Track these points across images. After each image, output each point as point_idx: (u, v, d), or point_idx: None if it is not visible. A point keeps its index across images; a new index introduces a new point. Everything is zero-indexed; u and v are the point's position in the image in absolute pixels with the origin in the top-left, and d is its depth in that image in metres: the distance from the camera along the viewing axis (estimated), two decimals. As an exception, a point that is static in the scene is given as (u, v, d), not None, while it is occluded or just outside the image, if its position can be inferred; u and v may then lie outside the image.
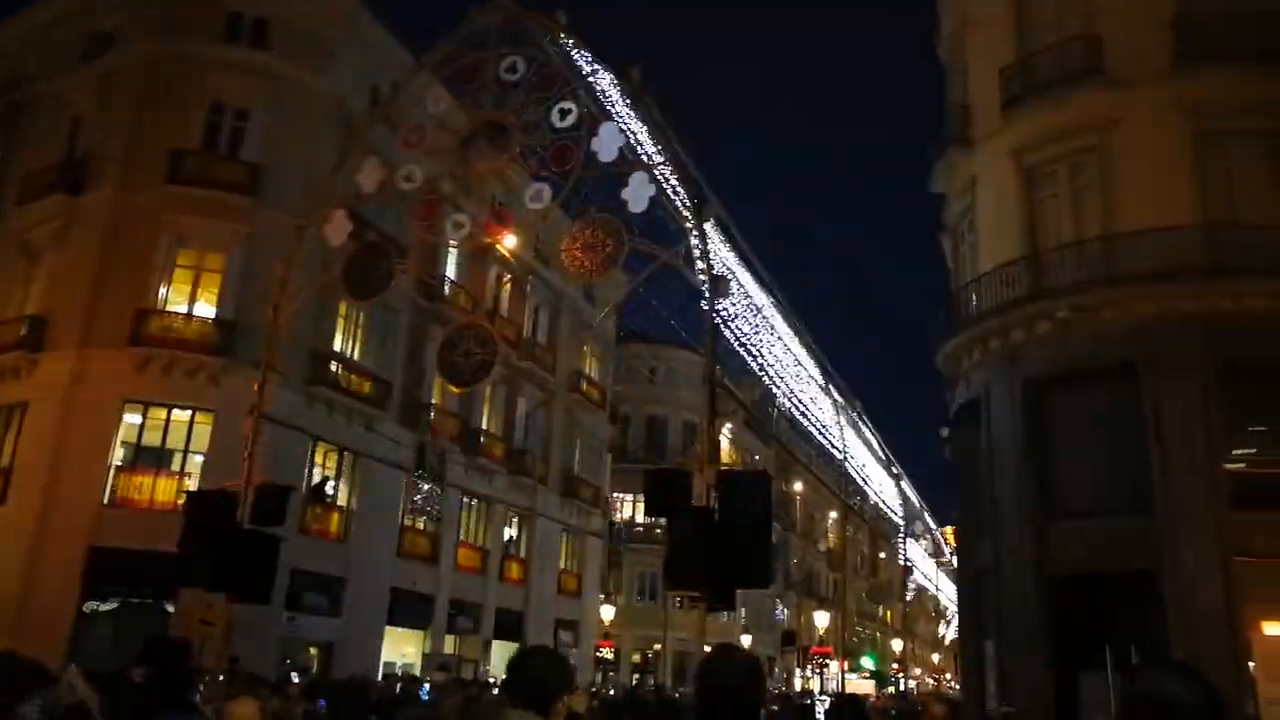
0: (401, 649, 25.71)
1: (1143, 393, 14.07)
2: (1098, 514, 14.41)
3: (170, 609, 18.42)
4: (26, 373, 20.99)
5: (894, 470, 34.96)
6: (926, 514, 52.98)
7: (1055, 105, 15.75)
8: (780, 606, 49.25)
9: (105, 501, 19.72)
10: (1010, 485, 15.45)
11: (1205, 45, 14.53)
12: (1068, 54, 15.78)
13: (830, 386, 21.82)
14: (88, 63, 23.32)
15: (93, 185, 21.86)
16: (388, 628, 24.54)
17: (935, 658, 72.96)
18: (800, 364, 20.51)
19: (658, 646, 38.37)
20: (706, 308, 10.15)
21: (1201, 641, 12.62)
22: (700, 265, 10.28)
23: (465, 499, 28.09)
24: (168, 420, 20.81)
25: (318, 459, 23.00)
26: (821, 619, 47.40)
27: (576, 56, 10.85)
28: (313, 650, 22.62)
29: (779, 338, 17.62)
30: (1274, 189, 14.51)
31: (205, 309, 21.45)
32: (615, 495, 39.99)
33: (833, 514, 52.98)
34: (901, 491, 36.47)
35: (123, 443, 20.48)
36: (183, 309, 21.33)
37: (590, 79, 10.84)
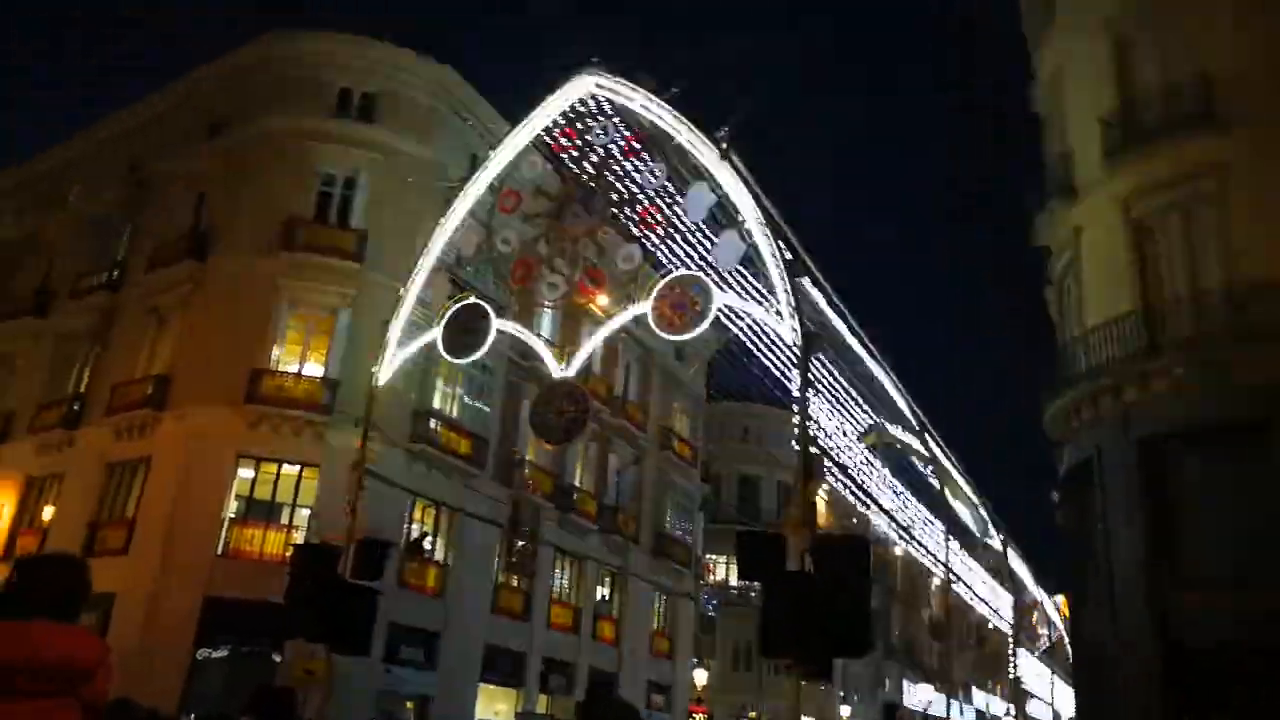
0: (494, 706, 25.68)
1: (1272, 451, 13.17)
2: (1227, 584, 13.40)
3: (277, 658, 18.91)
4: (151, 429, 22.19)
5: (1000, 537, 33.49)
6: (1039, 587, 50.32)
7: (1164, 152, 15.20)
8: (884, 677, 47.32)
9: (219, 553, 20.48)
10: (1127, 551, 14.57)
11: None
12: (1175, 98, 15.25)
13: (932, 445, 21.18)
14: (210, 140, 25.12)
15: (215, 252, 23.30)
16: (481, 684, 24.59)
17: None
18: (900, 423, 20.01)
19: (753, 715, 37.26)
20: (799, 366, 10.05)
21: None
22: (793, 323, 10.21)
23: (558, 556, 28.16)
24: (277, 475, 21.60)
25: (416, 515, 23.49)
26: (924, 692, 45.23)
27: (665, 119, 11.06)
28: (409, 704, 22.82)
29: (875, 395, 17.28)
30: None
31: (314, 369, 22.39)
32: (709, 556, 39.42)
33: (935, 580, 50.92)
34: (1007, 563, 34.83)
35: (236, 496, 21.33)
36: (293, 368, 22.30)
37: (679, 141, 11.03)
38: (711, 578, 40.01)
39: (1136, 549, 14.37)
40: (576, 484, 29.10)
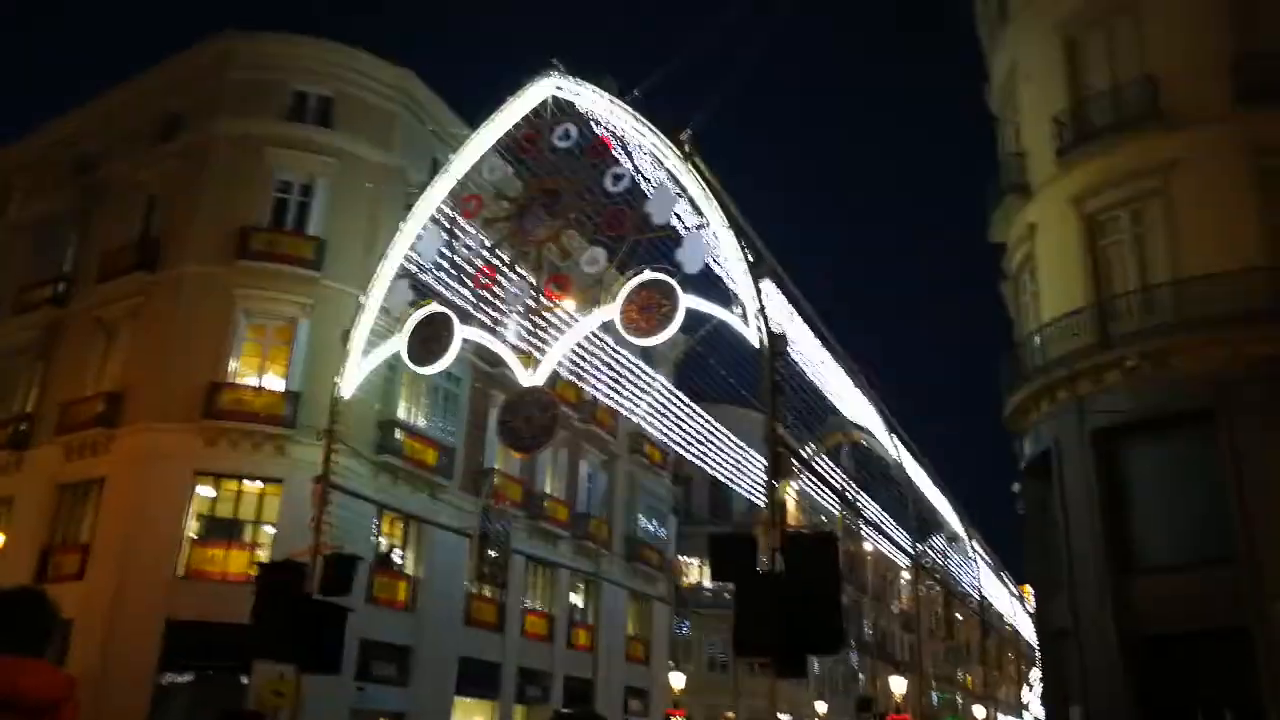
0: (470, 719, 25.43)
1: (1221, 440, 13.50)
2: (1180, 568, 13.76)
3: (244, 681, 18.53)
4: (104, 448, 21.57)
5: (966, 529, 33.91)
6: (1003, 572, 51.05)
7: (1113, 150, 15.55)
8: (858, 671, 47.67)
9: (180, 574, 20.03)
10: (1086, 540, 14.84)
11: (1266, 84, 14.26)
12: (1123, 97, 15.62)
13: (896, 442, 21.35)
14: (160, 144, 24.39)
15: (166, 262, 22.62)
16: (456, 697, 24.31)
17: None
18: (866, 421, 20.15)
19: (730, 715, 37.31)
20: (766, 365, 10.06)
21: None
22: (759, 322, 10.22)
23: (530, 564, 27.97)
24: (239, 492, 21.21)
25: (384, 528, 23.19)
26: (898, 684, 45.69)
27: (628, 122, 11.04)
28: (382, 720, 22.52)
29: (841, 392, 17.40)
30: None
31: (273, 381, 21.98)
32: (682, 559, 39.41)
33: (905, 574, 51.41)
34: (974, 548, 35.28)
35: (196, 515, 20.88)
36: (252, 381, 21.89)
37: (642, 143, 11.01)
38: (686, 580, 40.00)
39: (1093, 537, 14.65)
40: (547, 491, 28.94)
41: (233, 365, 21.84)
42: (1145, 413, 14.42)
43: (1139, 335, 14.60)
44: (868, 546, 49.41)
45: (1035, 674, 47.08)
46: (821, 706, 41.96)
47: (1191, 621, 13.24)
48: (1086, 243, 15.87)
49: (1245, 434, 13.30)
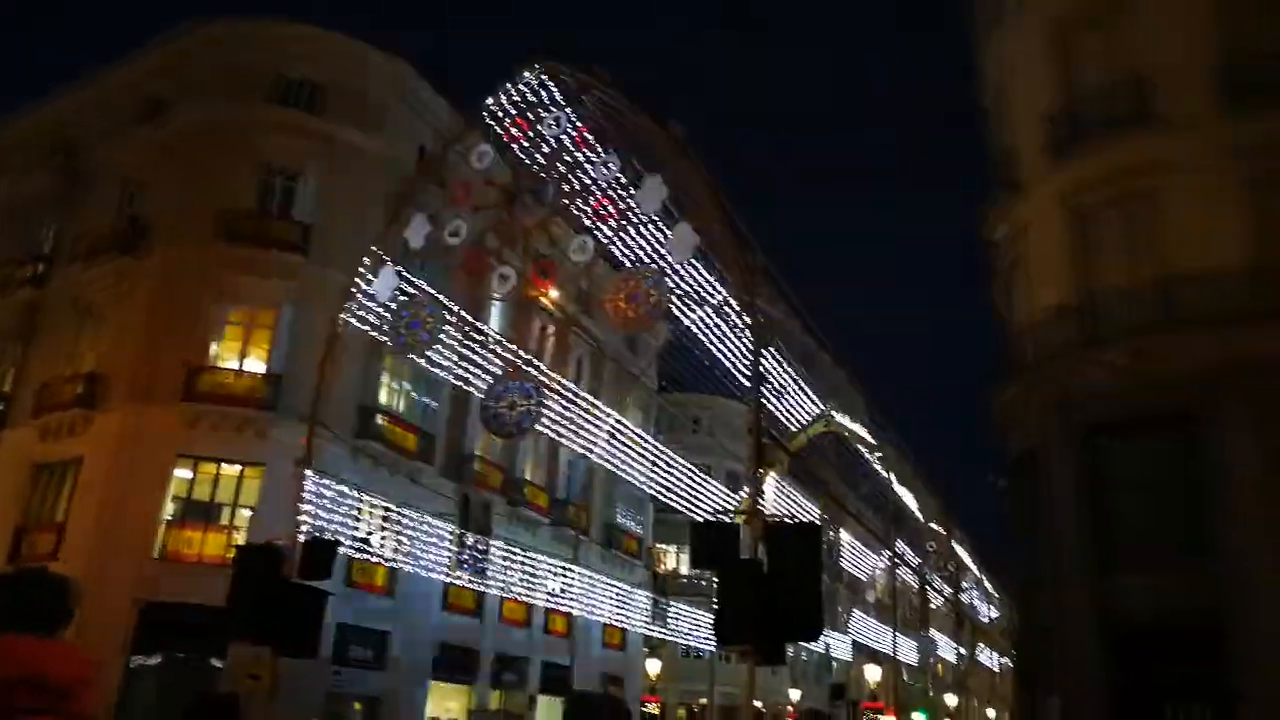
0: (446, 704, 25.43)
1: (1203, 438, 13.64)
2: (1161, 565, 13.90)
3: (218, 664, 18.43)
4: (82, 429, 21.43)
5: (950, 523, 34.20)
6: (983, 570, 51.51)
7: (1103, 150, 15.58)
8: (832, 659, 48.04)
9: (156, 556, 19.90)
10: (1070, 537, 14.97)
11: (1254, 87, 14.35)
12: (1114, 98, 15.66)
13: (881, 435, 21.50)
14: (143, 127, 24.14)
15: (148, 246, 22.50)
16: (433, 682, 24.31)
17: (991, 714, 70.39)
18: (850, 413, 20.24)
19: (704, 701, 37.54)
20: (752, 356, 10.06)
21: (1274, 698, 12.04)
22: (748, 313, 10.22)
23: (509, 550, 27.92)
24: (217, 475, 21.06)
25: (364, 512, 23.07)
26: (872, 672, 46.11)
27: (619, 111, 10.97)
28: (357, 705, 22.46)
29: (827, 386, 17.47)
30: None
31: (255, 365, 21.83)
32: (659, 546, 39.50)
33: (881, 565, 51.75)
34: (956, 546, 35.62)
35: (173, 497, 20.74)
36: (233, 365, 21.73)
37: (633, 133, 10.95)
38: (663, 567, 40.12)
39: (1078, 534, 14.79)
40: (527, 477, 28.89)
41: (214, 349, 21.69)
42: (1131, 410, 14.52)
43: (1126, 333, 14.69)
44: (845, 536, 49.76)
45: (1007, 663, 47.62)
46: (795, 694, 42.30)
47: (1171, 618, 13.39)
48: (1077, 241, 15.93)
49: (1227, 434, 13.43)
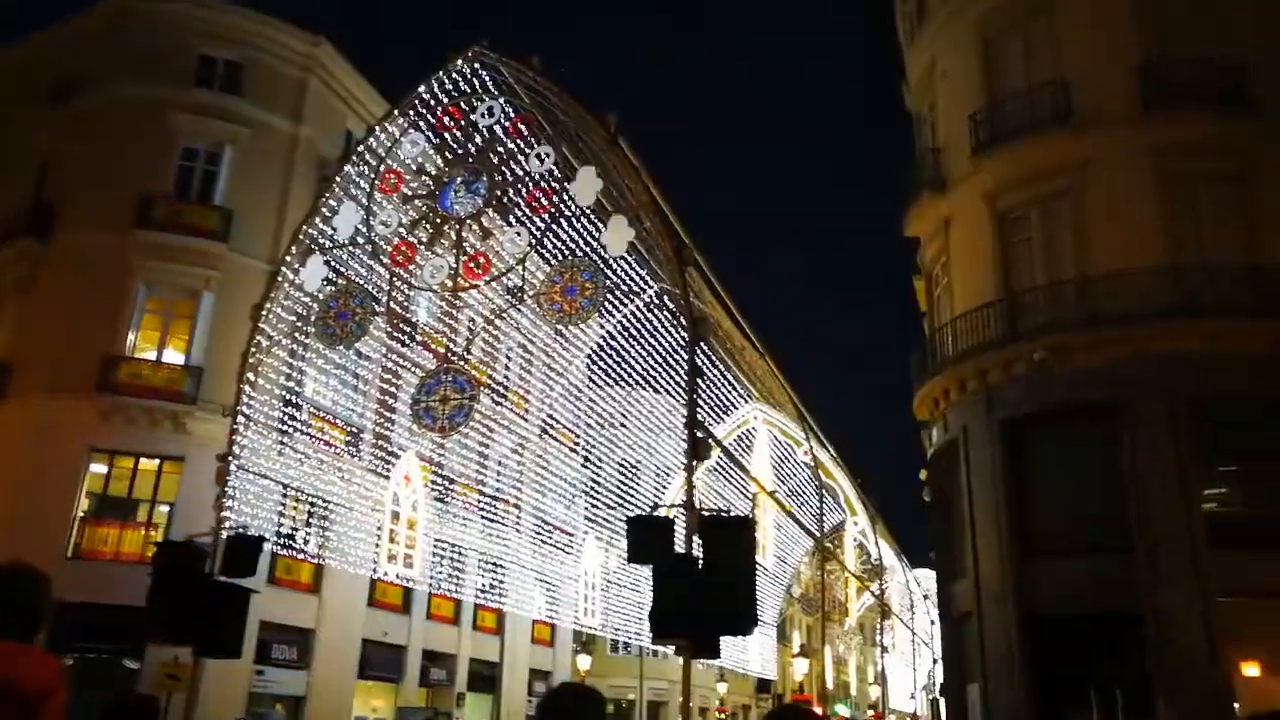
0: (371, 702, 25.01)
1: (1119, 432, 14.16)
2: (1078, 554, 14.41)
3: (134, 665, 17.79)
4: (-12, 422, 20.42)
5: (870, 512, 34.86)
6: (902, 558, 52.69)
7: (1025, 149, 16.05)
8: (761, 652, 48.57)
9: (69, 555, 19.10)
10: (990, 525, 15.43)
11: (1171, 90, 14.90)
12: (1036, 99, 16.13)
13: (809, 429, 21.81)
14: (56, 106, 23.06)
15: (60, 230, 21.49)
16: (358, 681, 23.88)
17: (912, 704, 72.16)
18: (779, 408, 20.51)
19: (631, 696, 37.67)
20: (686, 351, 10.09)
21: (1185, 682, 12.57)
22: (680, 310, 10.23)
23: (438, 545, 27.57)
24: (135, 470, 20.32)
25: (288, 508, 22.50)
26: (799, 666, 46.82)
27: (552, 101, 10.88)
28: (278, 705, 21.92)
29: (757, 379, 17.65)
30: (1239, 230, 14.84)
31: (174, 355, 21.08)
32: (594, 540, 39.38)
33: (805, 558, 52.54)
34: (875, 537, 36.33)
35: (88, 493, 19.93)
36: (151, 355, 20.95)
37: (567, 124, 10.86)
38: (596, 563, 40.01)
39: (997, 522, 15.24)
40: (458, 471, 28.53)
41: (131, 338, 20.87)
42: (1049, 404, 15.03)
43: (1046, 329, 15.17)
44: (771, 529, 50.35)
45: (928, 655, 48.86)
46: (722, 688, 42.71)
47: (1087, 605, 13.89)
48: (998, 239, 16.40)
49: (1143, 428, 13.95)
